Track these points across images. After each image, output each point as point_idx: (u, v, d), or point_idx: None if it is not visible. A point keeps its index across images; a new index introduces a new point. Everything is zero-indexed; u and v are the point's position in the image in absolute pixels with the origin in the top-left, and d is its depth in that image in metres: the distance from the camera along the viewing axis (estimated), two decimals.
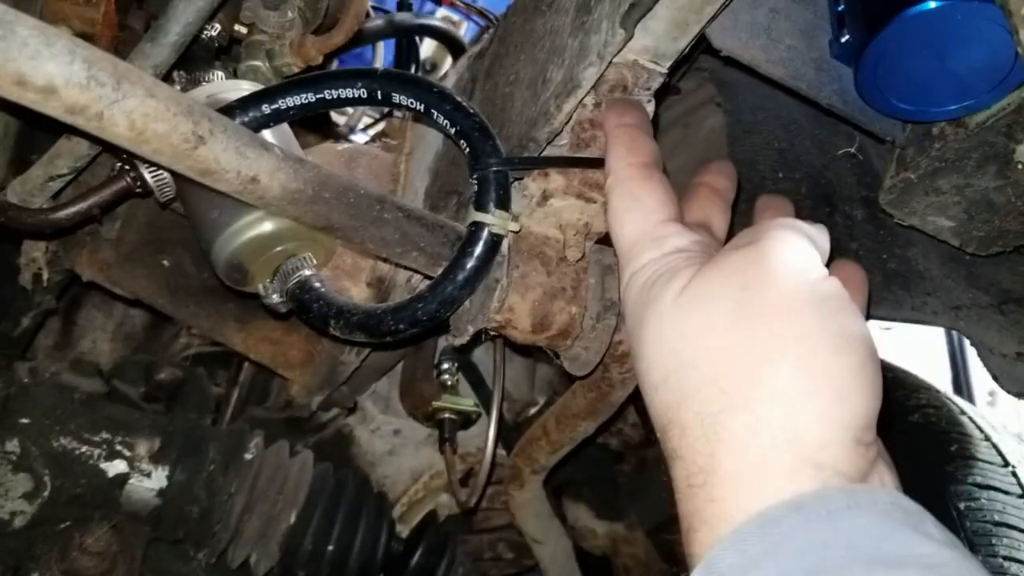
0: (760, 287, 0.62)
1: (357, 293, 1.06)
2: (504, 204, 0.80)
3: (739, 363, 0.59)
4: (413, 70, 1.95)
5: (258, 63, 1.01)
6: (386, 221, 0.80)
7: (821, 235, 0.74)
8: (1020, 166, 1.00)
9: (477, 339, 0.87)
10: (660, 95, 0.88)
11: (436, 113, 0.82)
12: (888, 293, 1.19)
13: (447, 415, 1.23)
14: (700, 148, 1.77)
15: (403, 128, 1.24)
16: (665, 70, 0.85)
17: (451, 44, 1.65)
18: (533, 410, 1.63)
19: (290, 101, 0.85)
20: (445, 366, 1.26)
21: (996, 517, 1.23)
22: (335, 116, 1.80)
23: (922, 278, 1.23)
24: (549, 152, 0.85)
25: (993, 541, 1.21)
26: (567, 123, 0.83)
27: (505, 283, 0.82)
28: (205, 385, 1.41)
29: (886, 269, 1.22)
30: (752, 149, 1.30)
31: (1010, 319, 1.23)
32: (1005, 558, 1.20)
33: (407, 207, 0.82)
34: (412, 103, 0.83)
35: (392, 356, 1.29)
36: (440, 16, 1.91)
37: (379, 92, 0.84)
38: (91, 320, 1.56)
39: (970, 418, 1.48)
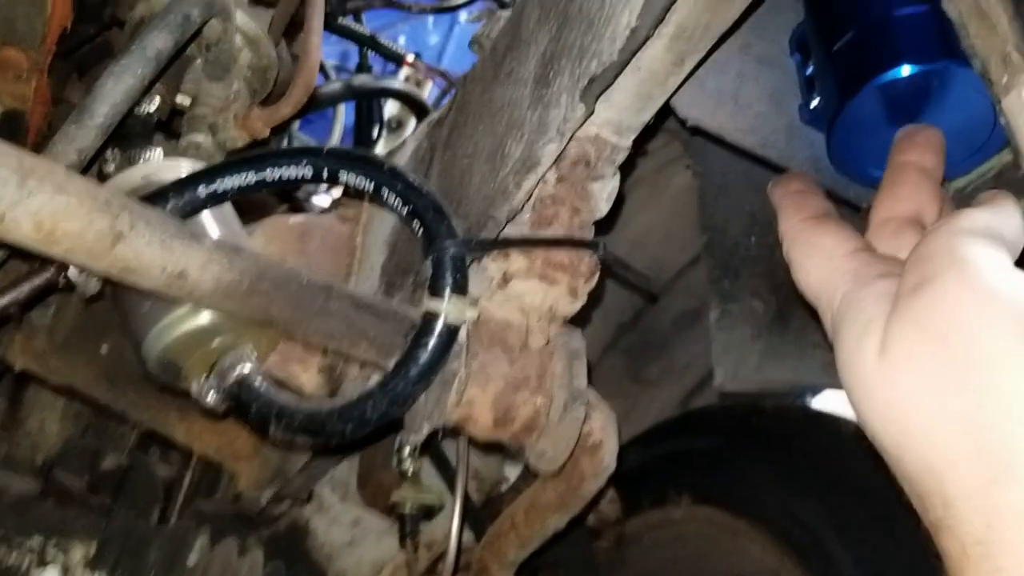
0: (969, 338, 0.54)
1: (307, 381, 0.99)
2: (461, 289, 0.75)
3: (985, 429, 0.53)
4: (376, 132, 1.91)
5: (200, 138, 0.95)
6: (332, 312, 0.74)
7: (1010, 219, 0.62)
8: None
9: (434, 437, 0.81)
10: (627, 163, 0.84)
11: (387, 192, 0.77)
12: None
13: (408, 509, 1.16)
14: (669, 206, 1.73)
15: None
16: (629, 143, 0.80)
17: (414, 105, 1.61)
18: (504, 486, 1.56)
19: (229, 183, 0.79)
20: (406, 453, 1.18)
21: None
22: None
23: None
24: (510, 231, 0.80)
25: None
26: (528, 200, 0.78)
27: (463, 375, 0.76)
28: (152, 473, 1.32)
29: None
30: (724, 213, 1.26)
31: None
32: None
33: (356, 295, 0.76)
34: (361, 182, 0.78)
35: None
36: (403, 76, 1.88)
37: (326, 171, 0.78)
38: (39, 398, 1.48)
39: None
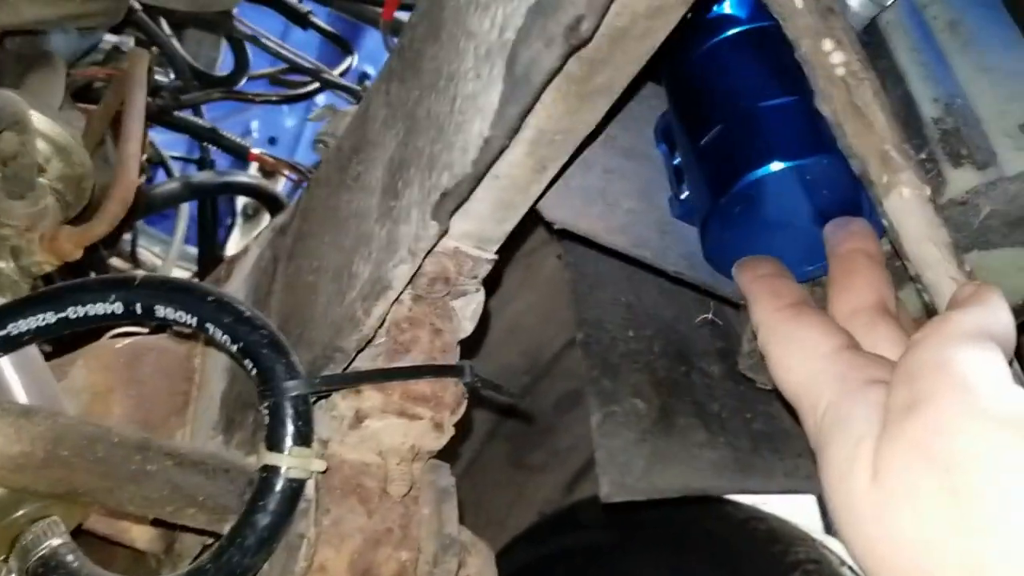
0: (975, 470, 0.47)
1: (139, 535, 0.85)
2: (304, 439, 0.64)
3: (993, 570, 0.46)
4: (231, 229, 1.78)
5: (0, 265, 0.82)
6: (150, 474, 0.62)
7: (999, 314, 0.57)
8: None
9: None
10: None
11: (212, 328, 0.66)
12: (757, 459, 1.09)
13: None
14: (544, 286, 1.68)
15: None
16: (492, 255, 0.72)
17: (264, 199, 1.50)
18: None
19: (24, 325, 0.67)
20: None
21: None
22: None
23: (790, 436, 1.14)
24: (361, 362, 0.70)
25: None
26: (380, 326, 0.69)
27: (312, 536, 0.65)
28: None
29: (752, 431, 1.12)
30: (599, 306, 1.19)
31: None
32: None
33: (179, 451, 0.65)
34: (182, 317, 0.67)
35: None
36: (253, 170, 1.76)
37: (139, 305, 0.67)
38: None
39: (850, 568, 1.39)
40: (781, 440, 1.13)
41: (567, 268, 1.24)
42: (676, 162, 0.96)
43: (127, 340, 1.02)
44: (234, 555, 0.62)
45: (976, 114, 0.85)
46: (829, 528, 3.10)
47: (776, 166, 0.76)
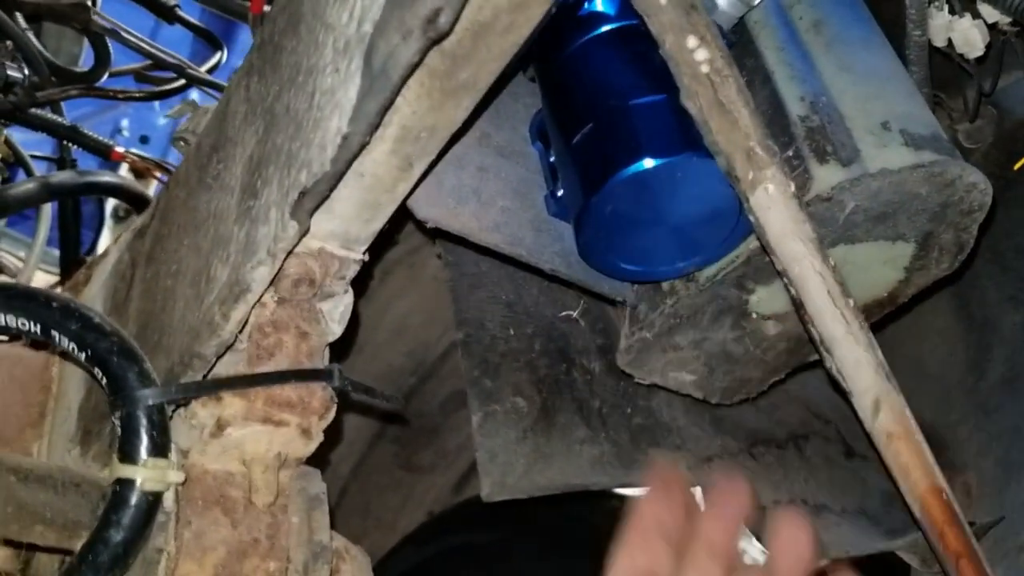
0: None
1: None
2: (161, 449, 0.61)
3: None
4: (100, 232, 1.70)
5: None
6: None
7: None
8: (755, 316, 0.95)
9: None
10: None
11: (58, 336, 0.62)
12: (638, 454, 1.10)
13: None
14: (429, 285, 1.66)
15: None
16: (360, 255, 0.70)
17: (132, 200, 1.42)
18: None
19: None
20: None
21: None
22: None
23: (669, 430, 1.15)
24: (222, 368, 0.67)
25: None
26: (242, 330, 0.66)
27: (172, 549, 0.62)
28: None
29: (632, 426, 1.14)
30: (479, 305, 1.19)
31: (761, 463, 1.18)
32: None
33: (23, 466, 0.61)
34: (25, 324, 0.63)
35: None
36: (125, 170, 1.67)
37: None
38: None
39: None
40: (661, 433, 1.14)
41: (447, 267, 1.23)
42: (551, 160, 0.96)
43: None
44: (86, 574, 0.58)
45: (840, 112, 0.88)
46: None
47: (647, 163, 0.76)
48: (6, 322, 0.62)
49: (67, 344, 0.62)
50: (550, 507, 1.44)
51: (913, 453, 0.74)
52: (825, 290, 0.67)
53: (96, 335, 0.62)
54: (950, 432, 1.30)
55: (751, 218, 0.67)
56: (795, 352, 1.01)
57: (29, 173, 1.47)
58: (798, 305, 0.69)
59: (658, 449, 1.13)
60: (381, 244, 1.12)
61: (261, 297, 0.64)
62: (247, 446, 0.67)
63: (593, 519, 1.51)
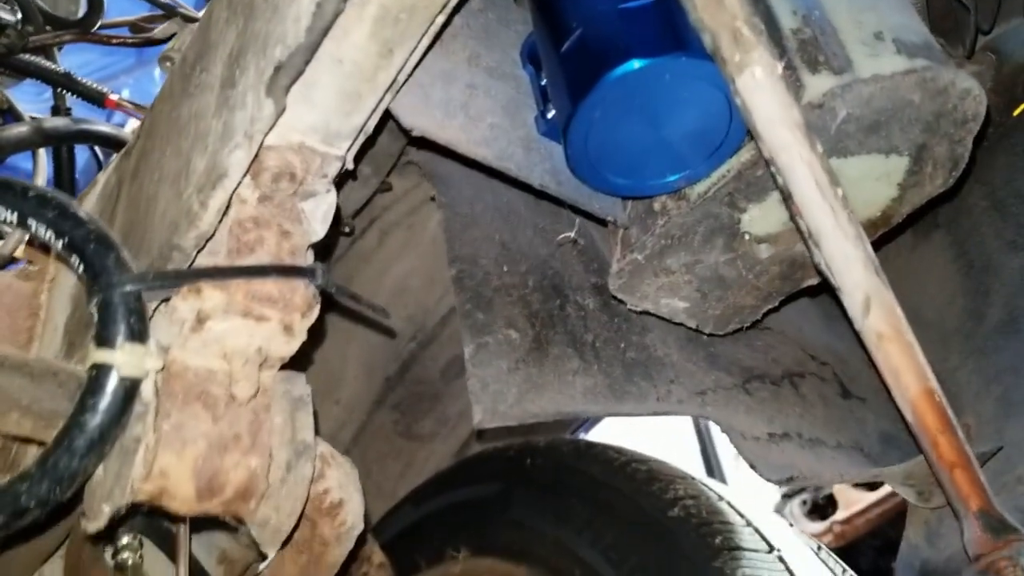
0: None
1: None
2: (138, 336, 0.60)
3: None
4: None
5: None
6: None
7: None
8: (747, 237, 0.94)
9: (126, 518, 0.65)
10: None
11: (35, 224, 0.61)
12: (631, 386, 1.09)
13: None
14: (429, 247, 1.65)
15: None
16: (342, 152, 0.69)
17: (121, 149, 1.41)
18: (262, 567, 1.38)
19: None
20: (124, 541, 1.00)
21: None
22: None
23: (663, 365, 1.15)
24: (202, 262, 0.66)
25: None
26: (220, 222, 0.65)
27: (151, 440, 0.62)
28: None
29: (625, 359, 1.13)
30: (473, 243, 1.18)
31: (756, 398, 1.17)
32: None
33: (0, 353, 0.60)
34: (1, 213, 0.62)
35: (52, 536, 1.01)
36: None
37: None
38: None
39: (729, 503, 1.41)
40: (654, 368, 1.14)
41: (441, 208, 1.22)
42: (542, 83, 0.95)
43: None
44: (61, 458, 0.58)
45: (833, 24, 0.87)
46: (711, 471, 3.19)
47: (635, 64, 0.75)
48: None
49: (44, 233, 0.61)
50: (547, 458, 1.44)
51: (904, 355, 0.73)
52: (813, 180, 0.66)
53: (73, 223, 0.61)
54: (949, 377, 1.29)
55: (738, 101, 0.66)
56: (788, 277, 1.00)
57: (17, 119, 1.46)
58: (786, 196, 0.68)
59: (651, 382, 1.13)
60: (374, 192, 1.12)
61: (238, 187, 0.63)
62: (228, 340, 0.66)
63: (589, 469, 1.50)
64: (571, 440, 1.80)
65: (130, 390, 0.60)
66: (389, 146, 1.21)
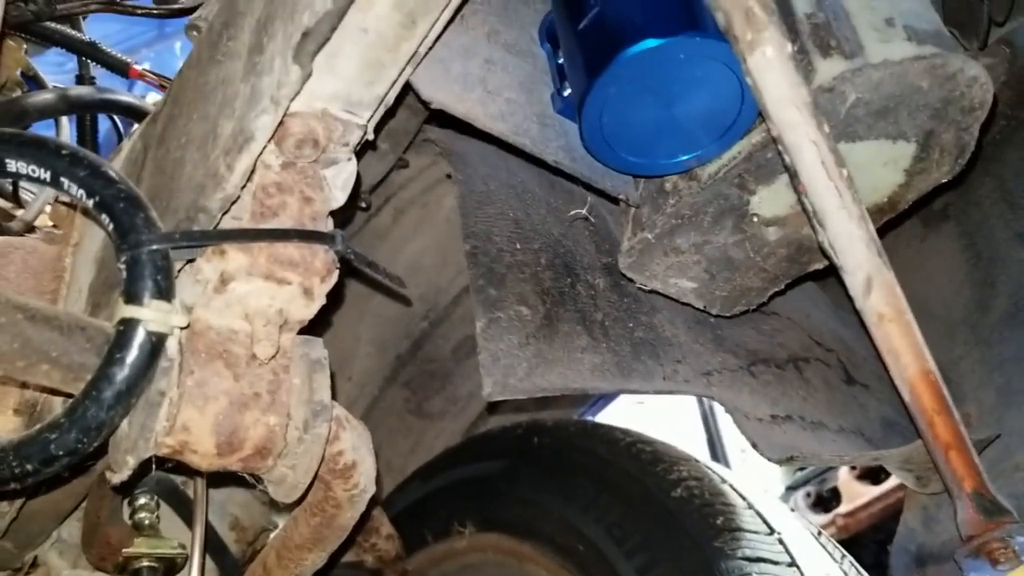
0: None
1: (2, 424, 0.82)
2: (164, 293, 0.63)
3: None
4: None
5: None
6: None
7: None
8: (755, 219, 0.96)
9: (147, 471, 0.68)
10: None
11: (67, 182, 0.64)
12: (638, 364, 1.11)
13: (145, 563, 0.99)
14: (443, 226, 1.67)
15: (70, 215, 1.02)
16: (364, 121, 0.71)
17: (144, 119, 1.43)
18: (273, 534, 1.41)
19: None
20: (141, 501, 1.03)
21: None
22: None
23: (670, 345, 1.17)
24: (227, 225, 0.69)
25: None
26: (245, 186, 0.67)
27: (175, 395, 0.64)
28: None
29: (634, 338, 1.15)
30: (487, 220, 1.20)
31: (760, 380, 1.19)
32: None
33: (30, 306, 0.62)
34: (35, 171, 0.64)
35: (71, 495, 1.04)
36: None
37: None
38: None
39: (731, 486, 1.43)
40: (662, 348, 1.16)
41: (456, 184, 1.24)
42: (559, 62, 0.96)
43: None
44: (89, 408, 0.60)
45: (846, 9, 0.89)
46: (715, 455, 3.20)
47: (650, 42, 0.77)
48: (16, 168, 0.64)
49: (75, 191, 0.64)
50: (552, 437, 1.46)
51: (903, 336, 0.75)
52: (819, 159, 0.68)
53: (104, 182, 0.63)
54: (953, 366, 1.31)
55: (749, 81, 0.68)
56: (794, 260, 1.01)
57: (40, 87, 1.49)
58: (792, 174, 0.70)
59: (658, 361, 1.15)
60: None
61: (263, 151, 0.66)
62: (250, 301, 0.68)
63: (595, 449, 1.52)
64: (578, 420, 1.82)
65: (156, 345, 0.62)
66: (407, 122, 1.23)
